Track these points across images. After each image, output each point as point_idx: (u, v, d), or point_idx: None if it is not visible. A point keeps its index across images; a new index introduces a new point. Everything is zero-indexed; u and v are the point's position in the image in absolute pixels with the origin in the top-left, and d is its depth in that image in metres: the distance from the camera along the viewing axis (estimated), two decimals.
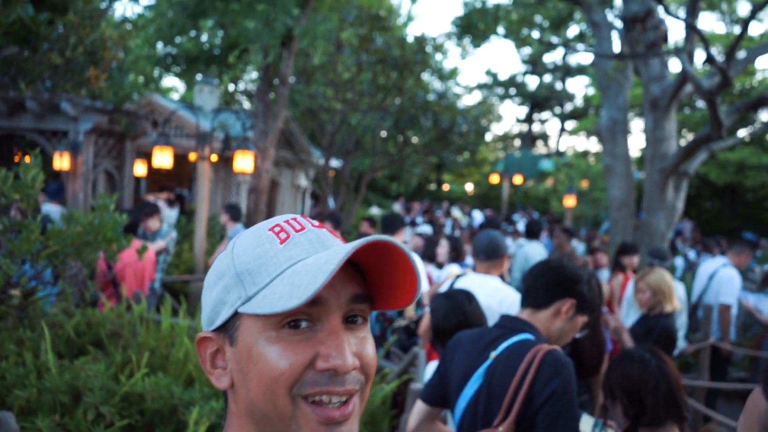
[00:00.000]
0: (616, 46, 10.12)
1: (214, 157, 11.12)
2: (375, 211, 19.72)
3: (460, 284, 3.39)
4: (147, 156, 10.71)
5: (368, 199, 22.49)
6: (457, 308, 2.71)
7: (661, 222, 8.57)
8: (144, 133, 9.08)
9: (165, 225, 6.00)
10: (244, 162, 7.36)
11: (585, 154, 29.87)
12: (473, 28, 14.37)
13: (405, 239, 8.15)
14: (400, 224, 5.31)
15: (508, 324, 1.93)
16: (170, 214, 10.10)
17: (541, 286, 1.95)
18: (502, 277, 3.60)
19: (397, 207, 22.43)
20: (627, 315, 5.35)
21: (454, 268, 5.56)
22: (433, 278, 5.88)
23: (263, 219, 9.30)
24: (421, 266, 5.00)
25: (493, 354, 1.84)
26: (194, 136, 10.05)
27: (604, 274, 6.92)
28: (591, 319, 1.99)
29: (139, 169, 10.16)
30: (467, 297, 2.78)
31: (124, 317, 4.19)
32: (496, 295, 3.20)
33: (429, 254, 6.02)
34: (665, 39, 8.73)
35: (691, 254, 13.58)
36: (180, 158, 11.95)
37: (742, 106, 7.92)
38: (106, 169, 8.81)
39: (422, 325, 3.51)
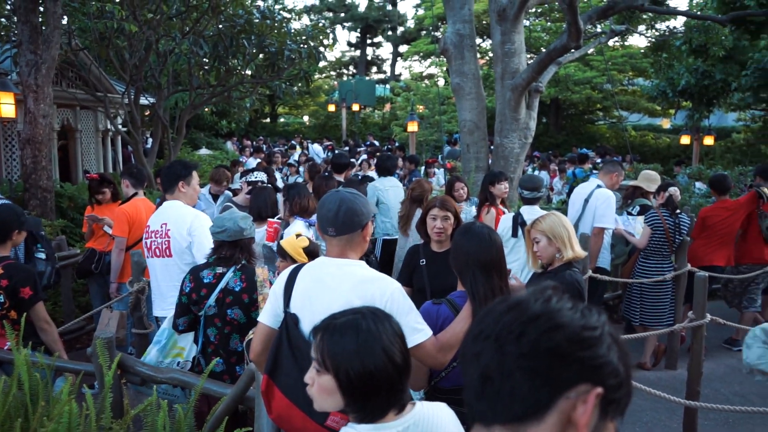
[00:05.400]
0: None
1: None
2: (204, 152, 17.65)
3: (305, 277, 2.19)
4: None
5: (195, 139, 20.18)
6: (375, 342, 1.47)
7: (515, 144, 8.01)
8: None
9: None
10: (0, 105, 5.39)
11: (421, 77, 29.52)
12: None
13: (231, 187, 6.75)
14: (177, 178, 3.92)
15: None
16: None
17: (514, 365, 0.80)
18: (370, 257, 2.40)
19: (230, 146, 20.44)
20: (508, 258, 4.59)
21: (299, 226, 4.37)
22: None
23: (48, 178, 7.36)
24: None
25: None
26: None
27: (468, 209, 6.13)
28: None
29: None
30: (384, 322, 1.53)
31: None
32: (363, 290, 2.07)
33: (258, 210, 4.73)
34: None
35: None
36: None
37: (594, 13, 7.39)
38: None
39: (254, 346, 2.28)
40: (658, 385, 3.91)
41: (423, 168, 11.46)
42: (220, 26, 10.09)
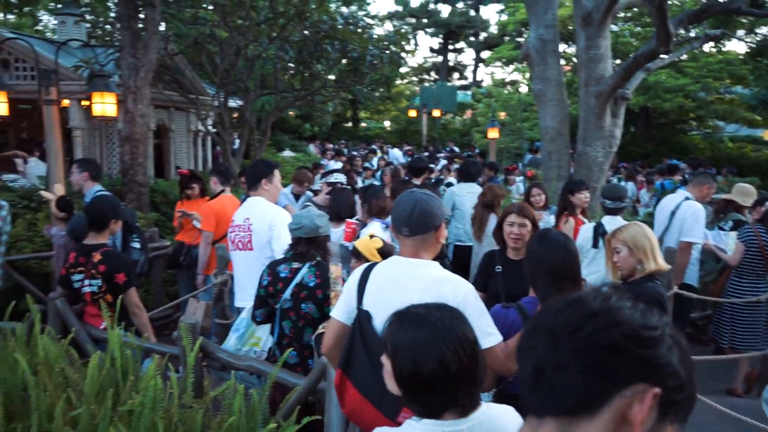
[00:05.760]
0: None
1: (85, 102, 9.31)
2: (287, 154, 18.21)
3: (378, 275, 2.23)
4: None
5: (279, 141, 20.85)
6: (439, 341, 1.46)
7: (599, 152, 7.77)
8: None
9: None
10: (103, 105, 5.80)
11: (503, 83, 29.16)
12: None
13: (313, 187, 6.93)
14: (261, 176, 4.08)
15: None
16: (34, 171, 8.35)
17: (568, 359, 0.80)
18: (444, 260, 2.41)
19: (312, 149, 20.97)
20: (586, 270, 4.47)
21: (375, 227, 4.43)
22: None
23: (143, 174, 7.84)
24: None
25: None
26: (67, 80, 8.21)
27: (546, 218, 6.01)
28: None
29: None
30: (452, 317, 1.53)
31: None
32: (436, 290, 2.07)
33: (337, 210, 4.83)
34: None
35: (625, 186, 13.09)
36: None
37: (685, 17, 7.08)
38: None
39: (326, 340, 2.34)
40: (750, 413, 3.66)
41: (503, 175, 11.32)
42: (306, 32, 10.38)
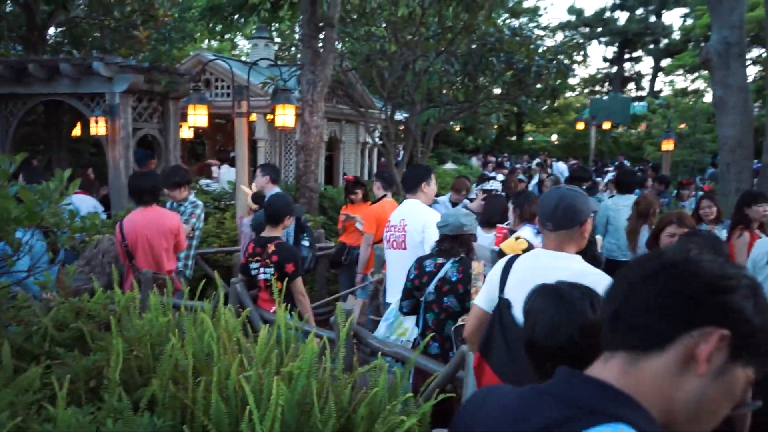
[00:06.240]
0: None
1: (269, 116, 10.39)
2: (449, 166, 18.53)
3: (521, 266, 2.34)
4: None
5: (442, 154, 21.27)
6: (570, 318, 1.58)
7: None
8: (187, 93, 8.42)
9: (189, 199, 5.27)
10: (284, 117, 6.49)
11: (684, 92, 27.00)
12: None
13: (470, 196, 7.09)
14: (420, 180, 4.32)
15: (574, 393, 0.88)
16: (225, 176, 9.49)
17: (642, 303, 0.89)
18: (586, 251, 2.44)
19: (474, 161, 21.11)
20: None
21: (526, 231, 4.48)
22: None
23: (315, 180, 8.55)
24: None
25: None
26: (256, 96, 9.29)
27: (719, 233, 5.58)
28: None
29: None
30: (590, 298, 1.64)
31: (121, 303, 3.48)
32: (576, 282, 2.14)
33: (488, 216, 4.93)
34: None
35: None
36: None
37: None
38: (149, 134, 8.25)
39: (468, 326, 2.51)
40: None
41: (675, 190, 10.57)
42: (473, 45, 10.60)
